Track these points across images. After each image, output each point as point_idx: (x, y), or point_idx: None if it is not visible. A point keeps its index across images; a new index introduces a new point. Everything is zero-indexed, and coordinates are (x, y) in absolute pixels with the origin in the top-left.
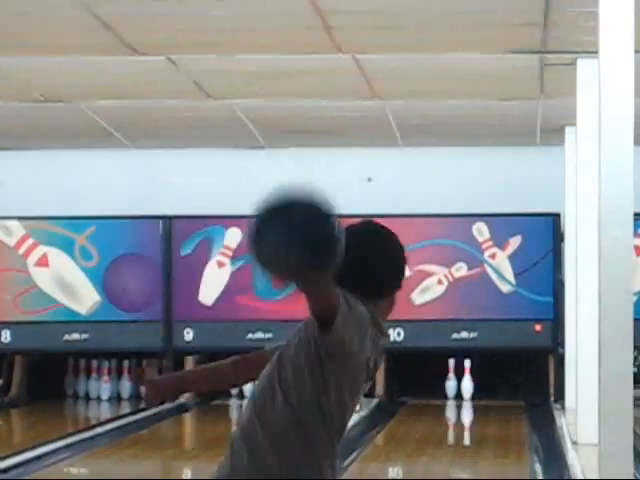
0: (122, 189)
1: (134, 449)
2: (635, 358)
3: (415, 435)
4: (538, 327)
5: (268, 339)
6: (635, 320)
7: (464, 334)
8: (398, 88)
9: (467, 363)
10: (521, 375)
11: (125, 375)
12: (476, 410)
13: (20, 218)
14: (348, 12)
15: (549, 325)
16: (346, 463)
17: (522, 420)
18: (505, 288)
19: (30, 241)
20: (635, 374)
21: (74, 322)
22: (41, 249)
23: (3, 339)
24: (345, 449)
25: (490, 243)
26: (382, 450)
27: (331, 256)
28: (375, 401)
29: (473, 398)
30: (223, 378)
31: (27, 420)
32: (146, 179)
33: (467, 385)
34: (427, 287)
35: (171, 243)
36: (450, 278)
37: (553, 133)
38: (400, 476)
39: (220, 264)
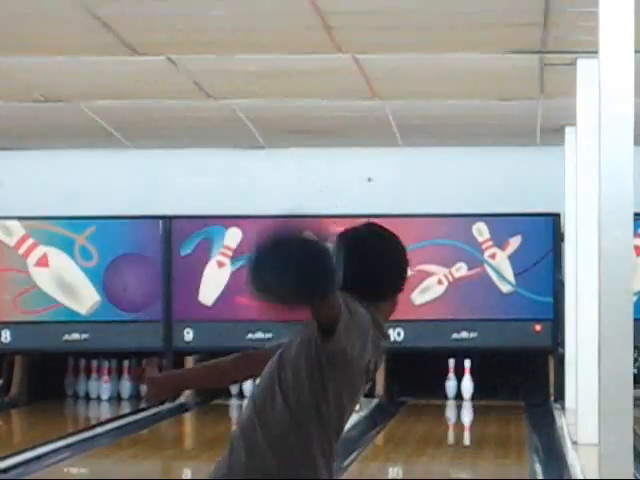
0: (122, 189)
1: (134, 449)
2: (635, 359)
3: (415, 435)
4: (538, 327)
5: (268, 339)
6: (635, 320)
7: (464, 334)
8: (398, 88)
9: (467, 363)
10: (521, 375)
11: (125, 375)
12: (476, 410)
13: (20, 218)
14: (348, 12)
15: (549, 325)
16: (346, 463)
17: (522, 420)
18: (505, 288)
19: (30, 241)
20: (635, 375)
21: (74, 322)
22: (41, 249)
23: (3, 339)
24: (345, 449)
25: (490, 243)
26: (382, 450)
27: (326, 287)
28: (375, 401)
29: (473, 398)
30: (224, 375)
31: (27, 420)
32: (146, 179)
33: (467, 385)
34: (427, 287)
35: (171, 243)
36: (450, 278)
37: (553, 133)
38: (400, 476)
39: (220, 264)
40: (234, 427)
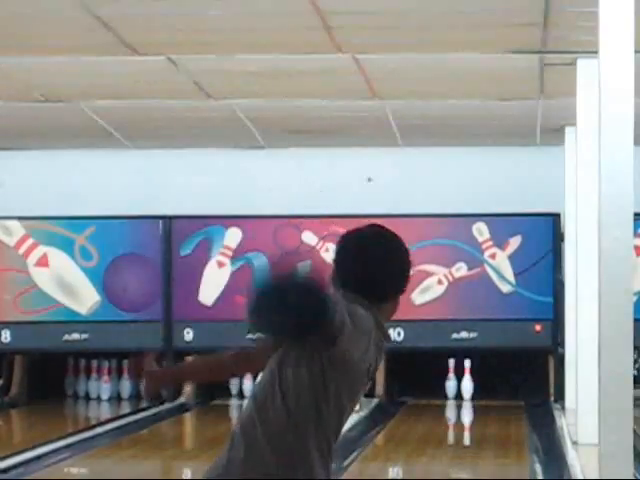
0: (122, 189)
1: (134, 449)
2: (635, 360)
3: (415, 435)
4: (538, 327)
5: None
6: (635, 320)
7: (464, 334)
8: (398, 88)
9: (467, 363)
10: (521, 375)
11: (125, 375)
12: (476, 410)
13: (20, 218)
14: (348, 12)
15: (549, 325)
16: (346, 463)
17: (522, 420)
18: (505, 288)
19: (30, 241)
20: (635, 376)
21: (74, 322)
22: (41, 249)
23: (3, 339)
24: (345, 449)
25: (490, 243)
26: (382, 450)
27: (322, 324)
28: (375, 401)
29: (473, 398)
30: (222, 369)
31: (27, 420)
32: (146, 179)
33: (467, 385)
34: (427, 287)
35: (171, 243)
36: (450, 278)
37: (553, 133)
38: (400, 476)
39: (220, 264)
40: (235, 425)
